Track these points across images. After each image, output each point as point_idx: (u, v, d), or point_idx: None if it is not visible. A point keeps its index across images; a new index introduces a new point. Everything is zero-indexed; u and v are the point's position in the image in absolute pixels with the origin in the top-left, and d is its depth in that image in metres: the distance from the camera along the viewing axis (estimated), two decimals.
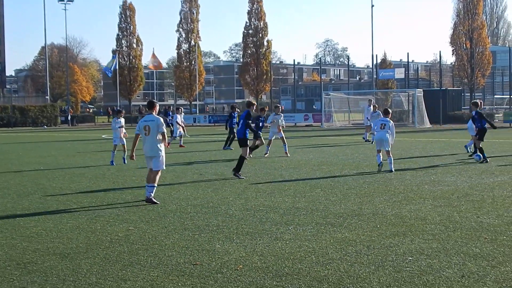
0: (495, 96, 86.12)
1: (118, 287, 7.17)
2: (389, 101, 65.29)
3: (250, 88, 77.48)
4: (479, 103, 21.24)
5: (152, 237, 9.68)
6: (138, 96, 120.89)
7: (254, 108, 18.22)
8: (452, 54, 64.59)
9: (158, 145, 12.85)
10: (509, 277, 7.21)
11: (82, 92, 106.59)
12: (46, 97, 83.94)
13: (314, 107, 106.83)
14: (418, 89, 57.18)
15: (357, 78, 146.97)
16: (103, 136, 46.05)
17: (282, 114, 25.85)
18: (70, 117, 78.55)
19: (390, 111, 20.04)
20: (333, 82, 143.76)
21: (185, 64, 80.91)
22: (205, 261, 8.14)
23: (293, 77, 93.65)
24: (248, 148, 17.74)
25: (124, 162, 21.62)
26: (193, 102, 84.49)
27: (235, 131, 26.89)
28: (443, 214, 11.13)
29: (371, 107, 33.76)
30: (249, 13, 76.62)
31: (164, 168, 13.34)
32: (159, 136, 12.81)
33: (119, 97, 79.83)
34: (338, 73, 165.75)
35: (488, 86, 79.12)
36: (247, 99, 20.50)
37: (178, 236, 9.67)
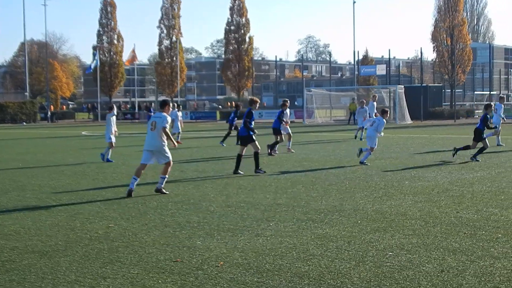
0: (475, 92, 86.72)
1: (98, 284, 7.11)
2: (370, 97, 65.39)
3: (232, 84, 77.39)
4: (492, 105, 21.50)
5: (132, 234, 9.61)
6: (119, 93, 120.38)
7: (257, 105, 17.97)
8: (433, 51, 65.07)
9: (160, 140, 13.38)
10: (488, 271, 7.24)
11: (62, 88, 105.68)
12: (26, 93, 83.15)
13: (296, 103, 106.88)
14: (399, 86, 57.47)
15: (339, 75, 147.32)
16: (82, 133, 45.79)
17: (289, 110, 25.81)
18: (50, 113, 77.96)
19: (387, 110, 20.43)
20: (315, 78, 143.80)
21: (166, 60, 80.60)
22: (185, 258, 8.10)
23: (275, 73, 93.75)
24: (256, 142, 17.34)
25: (103, 159, 21.25)
26: (174, 99, 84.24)
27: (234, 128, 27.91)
28: (423, 210, 11.17)
29: (374, 103, 33.93)
30: (231, 9, 76.55)
31: (171, 159, 13.71)
32: (162, 132, 13.35)
33: (99, 93, 79.38)
34: (320, 70, 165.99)
35: (468, 82, 79.71)
36: (249, 97, 20.12)
37: (158, 233, 9.62)
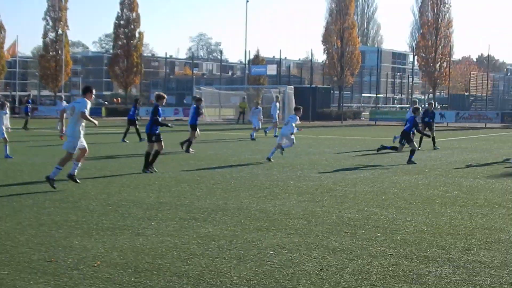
0: (363, 94, 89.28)
1: None
2: (260, 97, 65.94)
3: (119, 80, 75.84)
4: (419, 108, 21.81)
5: (4, 233, 9.13)
6: None
7: (164, 101, 17.57)
8: (324, 53, 66.33)
9: (73, 127, 13.29)
10: (365, 270, 7.34)
11: None
12: None
13: (184, 101, 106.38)
14: (289, 86, 58.22)
15: (230, 74, 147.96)
16: None
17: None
18: None
19: (300, 108, 21.06)
20: (205, 76, 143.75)
21: (51, 53, 77.99)
22: (60, 258, 7.75)
23: (164, 70, 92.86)
24: (162, 142, 16.94)
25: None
26: (58, 93, 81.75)
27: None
28: (306, 209, 11.25)
29: (278, 103, 34.21)
30: (121, 3, 74.96)
31: (71, 151, 13.43)
32: (79, 117, 13.20)
33: None
34: (211, 68, 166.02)
35: (356, 84, 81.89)
36: (156, 92, 19.61)
37: (33, 232, 9.19)
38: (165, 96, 17.73)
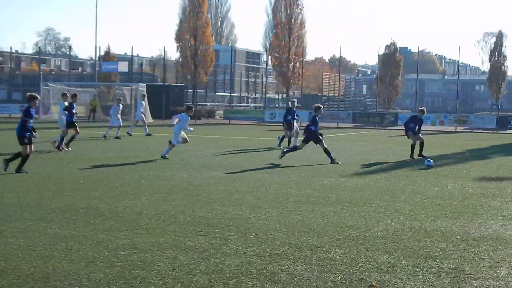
0: (217, 93, 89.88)
1: None
2: (111, 94, 64.65)
3: None
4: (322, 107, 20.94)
5: None
6: None
7: (37, 102, 16.47)
8: (177, 51, 65.93)
9: None
10: (218, 268, 7.33)
11: None
12: None
13: None
14: (142, 84, 57.42)
15: (80, 70, 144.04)
16: None
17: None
18: None
19: (192, 107, 21.44)
20: (53, 72, 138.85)
21: None
22: None
23: (9, 65, 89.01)
24: (28, 146, 15.92)
25: None
26: None
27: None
28: (159, 209, 11.09)
29: (143, 102, 33.57)
30: None
31: None
32: None
33: None
34: (60, 64, 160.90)
35: (211, 83, 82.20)
36: (28, 93, 18.21)
37: None
38: (38, 97, 16.75)
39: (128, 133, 32.20)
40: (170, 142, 20.16)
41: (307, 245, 8.58)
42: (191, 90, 67.96)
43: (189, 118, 20.21)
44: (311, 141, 20.04)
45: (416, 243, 8.82)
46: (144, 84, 57.17)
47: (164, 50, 71.74)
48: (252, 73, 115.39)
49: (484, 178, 16.69)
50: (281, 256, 7.95)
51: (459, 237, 9.28)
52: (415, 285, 6.88)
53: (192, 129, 20.51)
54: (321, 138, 20.04)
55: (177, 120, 20.19)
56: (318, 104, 21.28)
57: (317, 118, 20.12)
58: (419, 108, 23.53)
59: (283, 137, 25.98)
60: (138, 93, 45.46)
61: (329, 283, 6.89)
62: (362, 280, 7.02)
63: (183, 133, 20.44)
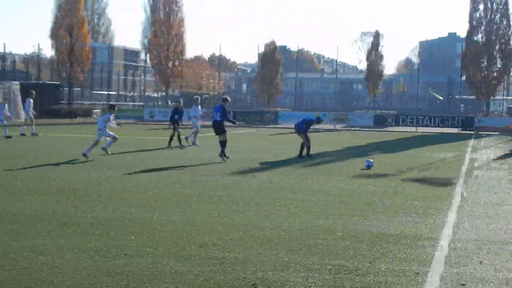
0: (94, 91, 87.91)
1: None
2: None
3: None
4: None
5: None
6: None
7: None
8: (52, 48, 64.01)
9: None
10: (121, 270, 7.21)
11: None
12: None
13: None
14: (15, 82, 55.31)
15: None
16: None
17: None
18: None
19: (115, 106, 22.39)
20: None
21: None
22: None
23: None
24: None
25: None
26: None
27: None
28: (58, 210, 10.81)
29: (31, 100, 32.32)
30: None
31: None
32: None
33: None
34: None
35: (88, 81, 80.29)
36: None
37: None
38: None
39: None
40: (97, 141, 20.76)
41: (211, 245, 8.53)
42: (67, 89, 66.13)
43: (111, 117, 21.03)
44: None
45: (311, 241, 8.91)
46: (18, 82, 55.12)
47: (38, 47, 69.30)
48: (131, 71, 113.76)
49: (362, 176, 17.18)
50: (185, 257, 7.87)
51: (339, 234, 9.45)
52: (297, 282, 6.91)
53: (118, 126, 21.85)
54: (225, 130, 20.52)
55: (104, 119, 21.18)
56: (226, 97, 21.84)
57: (225, 109, 20.53)
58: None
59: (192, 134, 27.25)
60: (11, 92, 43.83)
61: (212, 281, 6.88)
62: (246, 279, 7.00)
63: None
